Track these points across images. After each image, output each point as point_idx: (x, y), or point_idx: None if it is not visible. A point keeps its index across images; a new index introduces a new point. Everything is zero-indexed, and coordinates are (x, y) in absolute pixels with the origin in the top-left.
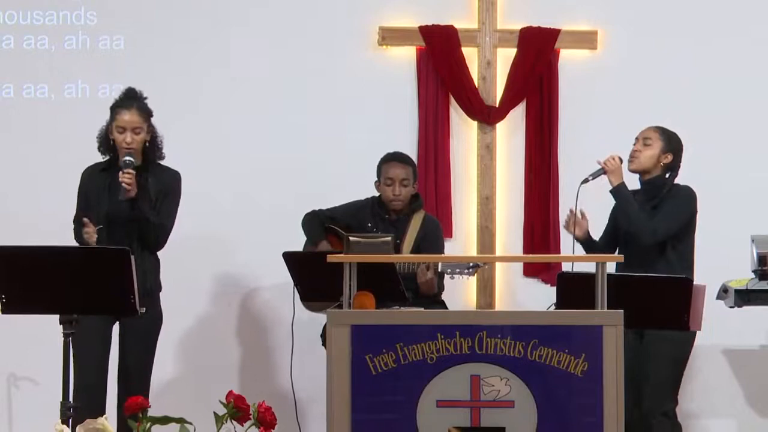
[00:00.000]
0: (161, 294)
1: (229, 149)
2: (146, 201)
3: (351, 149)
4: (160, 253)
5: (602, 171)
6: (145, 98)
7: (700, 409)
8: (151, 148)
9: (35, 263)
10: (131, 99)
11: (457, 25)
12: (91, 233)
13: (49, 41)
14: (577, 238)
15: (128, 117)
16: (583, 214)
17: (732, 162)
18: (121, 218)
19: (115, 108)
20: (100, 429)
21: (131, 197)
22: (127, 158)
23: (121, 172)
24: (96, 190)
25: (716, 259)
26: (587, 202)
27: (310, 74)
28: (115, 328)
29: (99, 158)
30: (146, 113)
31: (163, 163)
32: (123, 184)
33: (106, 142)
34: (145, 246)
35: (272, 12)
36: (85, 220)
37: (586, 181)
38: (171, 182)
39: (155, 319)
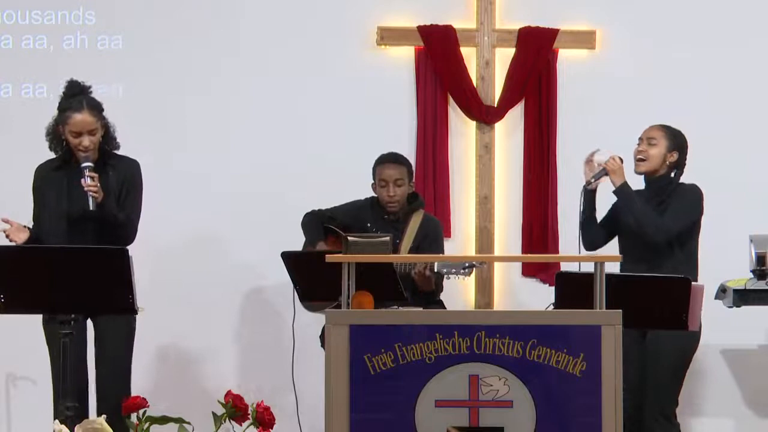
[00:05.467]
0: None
1: (229, 149)
2: (111, 199)
3: (350, 149)
4: (160, 253)
5: (604, 172)
6: (89, 89)
7: (698, 408)
8: (106, 140)
9: (34, 263)
10: (79, 96)
11: (456, 25)
12: (14, 231)
13: (47, 41)
14: (587, 183)
15: (81, 118)
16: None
17: (731, 162)
18: (82, 218)
19: (65, 110)
20: (99, 429)
21: (99, 202)
22: (87, 164)
23: (83, 180)
24: (52, 189)
25: (715, 259)
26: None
27: (308, 74)
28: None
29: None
30: (98, 110)
31: (118, 152)
32: (90, 193)
33: (57, 140)
34: (111, 243)
35: (271, 12)
36: (5, 218)
37: (588, 183)
38: (132, 173)
39: (129, 317)
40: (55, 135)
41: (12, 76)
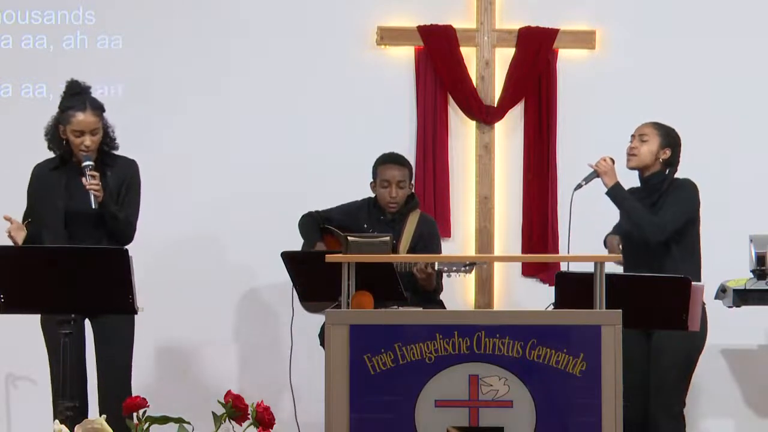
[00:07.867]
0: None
1: (228, 149)
2: (110, 198)
3: (349, 149)
4: (159, 253)
5: (595, 174)
6: (90, 89)
7: (698, 408)
8: (105, 140)
9: (34, 263)
10: (81, 96)
11: (456, 25)
12: (14, 229)
13: (47, 41)
14: (578, 186)
15: (84, 118)
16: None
17: (730, 161)
18: (81, 217)
19: (67, 109)
20: (99, 428)
21: (100, 201)
22: (88, 162)
23: (85, 179)
24: (50, 189)
25: (714, 259)
26: (582, 208)
27: (308, 74)
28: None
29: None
30: (100, 110)
31: (117, 152)
32: (91, 192)
33: (56, 140)
34: (111, 242)
35: (271, 12)
36: (7, 216)
37: (579, 186)
38: (130, 174)
39: (128, 317)
40: (55, 135)
41: (12, 76)
